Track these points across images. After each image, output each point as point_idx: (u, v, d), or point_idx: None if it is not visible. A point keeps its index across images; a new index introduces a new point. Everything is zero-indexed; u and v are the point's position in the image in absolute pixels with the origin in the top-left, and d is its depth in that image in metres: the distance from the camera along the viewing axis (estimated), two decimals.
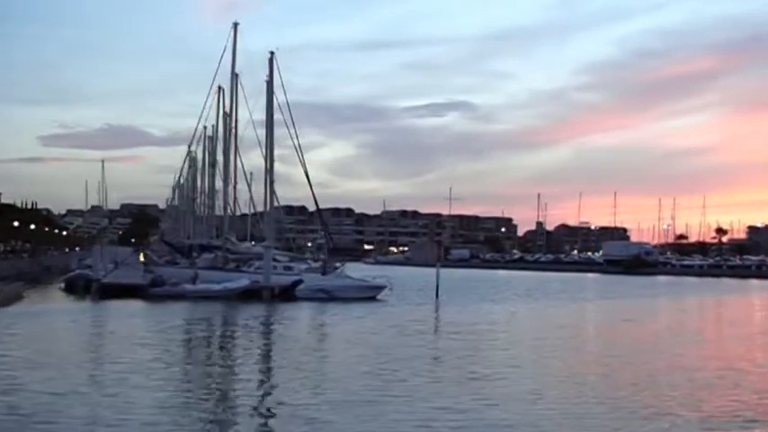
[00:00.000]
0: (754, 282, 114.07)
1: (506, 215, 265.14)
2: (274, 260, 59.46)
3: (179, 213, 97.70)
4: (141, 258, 76.36)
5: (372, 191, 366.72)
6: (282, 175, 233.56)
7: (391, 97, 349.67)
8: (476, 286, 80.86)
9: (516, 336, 36.85)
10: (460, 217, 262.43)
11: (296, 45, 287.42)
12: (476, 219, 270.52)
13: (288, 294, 55.79)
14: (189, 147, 77.74)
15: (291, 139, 63.98)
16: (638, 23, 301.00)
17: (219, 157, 70.71)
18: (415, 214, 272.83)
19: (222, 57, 65.05)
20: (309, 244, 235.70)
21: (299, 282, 57.37)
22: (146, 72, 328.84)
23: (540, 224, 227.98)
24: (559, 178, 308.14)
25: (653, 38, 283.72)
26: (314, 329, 38.83)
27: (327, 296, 56.24)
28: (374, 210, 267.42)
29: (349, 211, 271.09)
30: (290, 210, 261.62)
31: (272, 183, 64.52)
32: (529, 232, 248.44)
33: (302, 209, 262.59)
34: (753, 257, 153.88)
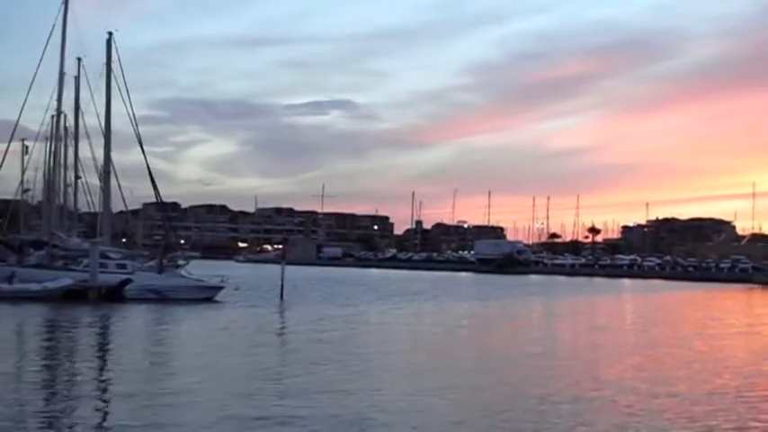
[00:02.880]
0: (626, 281, 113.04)
1: (384, 214, 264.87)
2: (105, 257, 53.66)
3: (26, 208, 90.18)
4: None
5: (254, 188, 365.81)
6: (163, 171, 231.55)
7: (273, 95, 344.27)
8: (334, 286, 76.65)
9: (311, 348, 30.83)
10: (336, 215, 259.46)
11: (178, 41, 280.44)
12: (352, 217, 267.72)
13: (116, 295, 50.25)
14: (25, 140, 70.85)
15: (132, 125, 58.68)
16: (518, 26, 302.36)
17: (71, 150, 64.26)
18: (290, 212, 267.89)
19: (51, 34, 59.07)
20: (183, 242, 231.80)
21: (128, 281, 51.75)
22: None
23: (419, 223, 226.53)
24: (439, 178, 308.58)
25: (532, 41, 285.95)
26: (95, 335, 34.44)
27: (159, 297, 50.97)
28: (253, 207, 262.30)
29: (223, 208, 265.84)
30: (162, 206, 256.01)
31: (107, 174, 59.07)
32: (408, 231, 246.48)
33: (175, 205, 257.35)
34: (624, 257, 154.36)
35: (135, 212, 66.79)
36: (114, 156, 60.09)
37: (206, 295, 52.96)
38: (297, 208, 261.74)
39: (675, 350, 31.32)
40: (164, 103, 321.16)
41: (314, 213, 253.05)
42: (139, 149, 59.86)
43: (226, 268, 79.20)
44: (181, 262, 59.47)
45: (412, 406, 18.34)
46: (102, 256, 53.11)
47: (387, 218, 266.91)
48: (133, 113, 58.73)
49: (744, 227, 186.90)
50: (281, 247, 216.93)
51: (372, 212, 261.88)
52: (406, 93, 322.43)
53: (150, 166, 60.46)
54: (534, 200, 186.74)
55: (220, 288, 54.59)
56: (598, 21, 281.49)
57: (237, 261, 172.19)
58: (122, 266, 54.44)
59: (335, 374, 22.90)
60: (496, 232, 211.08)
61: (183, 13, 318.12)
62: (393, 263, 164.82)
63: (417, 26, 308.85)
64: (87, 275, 51.30)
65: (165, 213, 76.70)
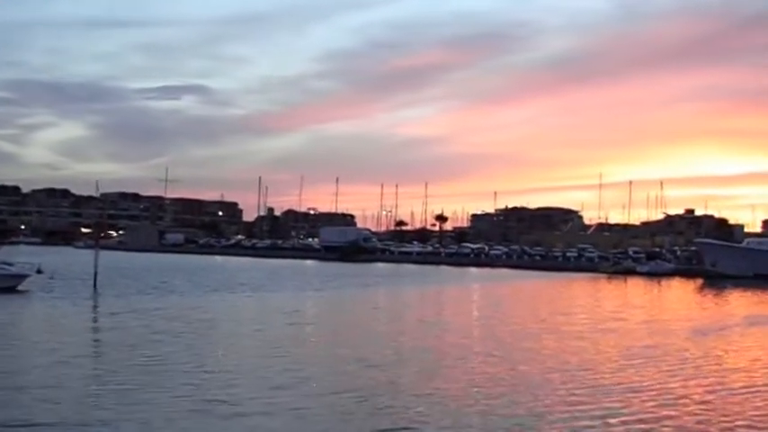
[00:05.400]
0: (473, 270, 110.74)
1: (234, 200, 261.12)
2: None
3: None
4: None
5: (102, 173, 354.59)
6: (8, 154, 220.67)
7: (125, 78, 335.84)
8: (162, 274, 71.54)
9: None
10: (183, 201, 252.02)
11: (28, 20, 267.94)
12: (199, 203, 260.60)
13: None
14: None
15: None
16: (375, 14, 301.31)
17: None
18: (135, 197, 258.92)
19: None
20: (23, 227, 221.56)
21: None
22: None
23: (270, 209, 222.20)
24: (291, 165, 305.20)
25: (388, 29, 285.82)
26: None
27: None
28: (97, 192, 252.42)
29: (66, 193, 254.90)
30: (2, 190, 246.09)
31: None
32: (259, 218, 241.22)
33: (15, 189, 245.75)
34: (471, 245, 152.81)
35: None
36: None
37: (8, 284, 46.80)
38: (144, 193, 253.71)
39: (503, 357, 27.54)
40: (11, 83, 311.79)
41: (160, 199, 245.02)
42: None
43: (63, 254, 73.41)
44: None
45: None
46: None
47: (235, 204, 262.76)
48: None
49: (591, 216, 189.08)
50: (122, 232, 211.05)
51: (225, 198, 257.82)
52: (260, 79, 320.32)
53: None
54: (383, 187, 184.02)
55: (25, 276, 48.60)
56: (455, 11, 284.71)
57: (77, 247, 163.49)
58: None
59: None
60: (346, 220, 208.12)
61: None
62: (237, 250, 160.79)
63: (274, 11, 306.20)
64: None
65: None
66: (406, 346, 29.31)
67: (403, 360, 25.26)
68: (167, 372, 21.42)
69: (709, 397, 20.05)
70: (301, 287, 62.24)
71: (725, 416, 17.89)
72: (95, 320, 36.58)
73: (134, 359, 23.48)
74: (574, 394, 19.64)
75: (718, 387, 21.59)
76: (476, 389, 20.07)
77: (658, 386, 21.25)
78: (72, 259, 78.20)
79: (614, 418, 17.24)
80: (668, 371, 24.01)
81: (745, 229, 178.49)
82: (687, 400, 19.50)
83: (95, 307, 41.40)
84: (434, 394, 19.24)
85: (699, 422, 17.19)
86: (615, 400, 19.07)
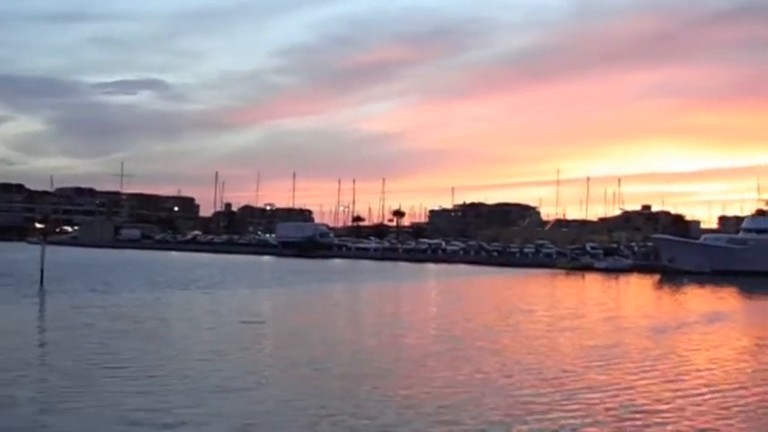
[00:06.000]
0: (431, 266, 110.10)
1: (191, 196, 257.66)
2: None
3: None
4: None
5: (58, 169, 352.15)
6: None
7: (82, 72, 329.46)
8: (114, 271, 69.89)
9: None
10: (140, 196, 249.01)
11: None
12: (156, 198, 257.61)
13: None
14: None
15: None
16: (333, 10, 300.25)
17: None
18: (91, 192, 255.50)
19: None
20: None
21: None
22: None
23: (228, 205, 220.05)
24: (250, 160, 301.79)
25: (347, 25, 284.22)
26: None
27: None
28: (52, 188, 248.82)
29: (19, 188, 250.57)
30: None
31: None
32: (217, 214, 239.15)
33: None
34: (428, 240, 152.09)
35: None
36: None
37: None
38: (100, 189, 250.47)
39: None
40: None
41: (116, 194, 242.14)
42: None
43: (15, 250, 71.67)
44: None
45: None
46: None
47: (192, 200, 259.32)
48: None
49: (548, 212, 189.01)
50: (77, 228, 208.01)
51: (182, 194, 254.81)
52: (218, 74, 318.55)
53: None
54: (340, 183, 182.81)
55: None
56: (413, 7, 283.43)
57: (30, 243, 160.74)
58: None
59: None
60: (304, 215, 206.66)
61: None
62: (193, 245, 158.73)
63: (232, 6, 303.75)
64: None
65: None
66: (361, 346, 28.19)
67: (357, 362, 24.15)
68: (102, 376, 20.16)
69: (671, 396, 19.47)
70: (256, 284, 61.06)
71: (687, 417, 17.33)
72: (36, 320, 35.11)
73: (67, 361, 22.23)
74: (532, 397, 18.80)
75: (680, 387, 21.00)
76: (430, 393, 19.12)
77: (619, 388, 20.49)
78: (23, 255, 76.39)
79: (576, 421, 16.56)
80: (629, 371, 23.29)
81: (702, 226, 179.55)
82: (649, 401, 18.85)
83: (39, 305, 39.92)
84: (389, 399, 18.37)
85: (661, 423, 16.59)
86: (576, 403, 18.29)
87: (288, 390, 19.12)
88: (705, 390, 20.58)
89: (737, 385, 21.54)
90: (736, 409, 18.42)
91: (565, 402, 18.36)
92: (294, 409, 17.24)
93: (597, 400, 18.67)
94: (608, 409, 17.68)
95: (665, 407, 18.24)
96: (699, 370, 24.25)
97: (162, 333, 30.06)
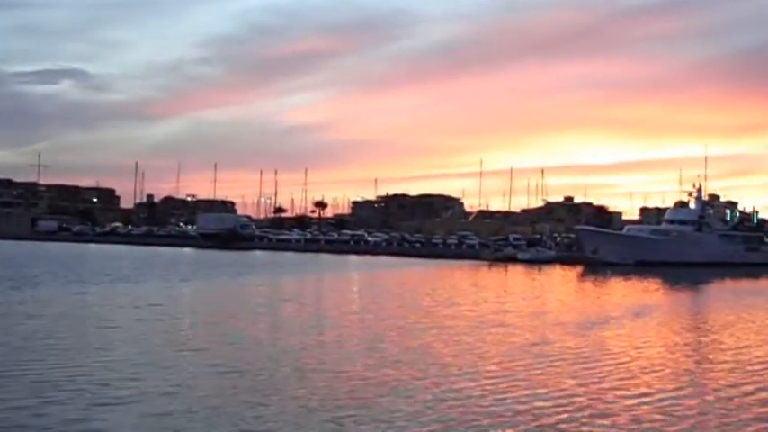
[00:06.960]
0: (353, 258, 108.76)
1: (111, 187, 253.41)
2: None
3: None
4: None
5: None
6: None
7: (1, 61, 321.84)
8: (28, 263, 67.42)
9: None
10: (59, 187, 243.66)
11: None
12: (75, 189, 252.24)
13: None
14: None
15: None
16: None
17: None
18: (8, 183, 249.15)
19: None
20: None
21: None
22: None
23: (150, 196, 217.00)
24: (172, 151, 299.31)
25: (270, 15, 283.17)
26: None
27: None
28: None
29: None
30: None
31: None
32: (137, 205, 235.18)
33: None
34: (351, 232, 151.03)
35: None
36: None
37: None
38: (18, 179, 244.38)
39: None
40: None
41: (34, 185, 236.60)
42: None
43: None
44: None
45: None
46: None
47: (113, 191, 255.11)
48: None
49: (471, 204, 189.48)
50: None
51: (102, 185, 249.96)
52: (140, 64, 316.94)
53: None
54: (262, 174, 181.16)
55: None
56: None
57: None
58: None
59: None
60: (226, 207, 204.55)
61: None
62: (112, 237, 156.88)
63: None
64: None
65: None
66: (275, 345, 26.42)
67: (268, 363, 22.37)
68: None
69: (599, 394, 18.49)
70: (171, 277, 58.94)
71: (618, 415, 16.50)
72: None
73: None
74: (456, 400, 17.35)
75: (609, 384, 20.08)
76: (347, 397, 17.56)
77: (548, 388, 19.18)
78: None
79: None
80: (556, 369, 22.05)
81: (624, 217, 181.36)
82: (577, 400, 17.82)
83: None
84: (298, 403, 16.81)
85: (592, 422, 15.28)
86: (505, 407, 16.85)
87: (182, 398, 17.35)
88: (641, 391, 19.39)
89: (674, 386, 20.39)
90: (675, 410, 17.32)
91: (494, 408, 16.95)
92: (183, 419, 15.52)
93: (531, 402, 17.39)
94: (538, 415, 16.32)
95: (601, 409, 16.97)
96: (626, 364, 23.47)
97: (58, 332, 27.32)
